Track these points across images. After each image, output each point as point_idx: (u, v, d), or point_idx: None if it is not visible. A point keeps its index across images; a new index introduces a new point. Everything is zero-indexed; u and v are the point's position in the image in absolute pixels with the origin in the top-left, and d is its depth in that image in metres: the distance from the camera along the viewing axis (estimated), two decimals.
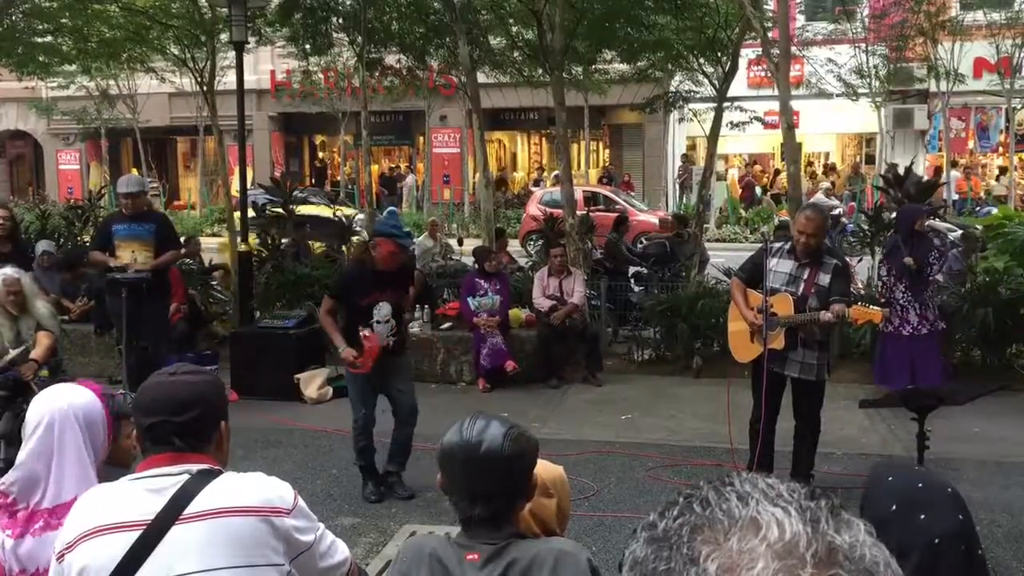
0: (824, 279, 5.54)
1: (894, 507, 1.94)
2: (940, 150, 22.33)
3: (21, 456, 2.45)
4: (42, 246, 9.69)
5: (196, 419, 2.06)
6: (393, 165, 29.06)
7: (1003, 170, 21.62)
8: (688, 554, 0.71)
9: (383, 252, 5.61)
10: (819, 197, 18.92)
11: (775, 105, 9.32)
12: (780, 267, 5.65)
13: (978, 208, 20.14)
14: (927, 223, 8.32)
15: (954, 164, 22.41)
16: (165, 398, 2.08)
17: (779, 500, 0.73)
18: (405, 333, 6.08)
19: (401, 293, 5.86)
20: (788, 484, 0.77)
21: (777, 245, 5.80)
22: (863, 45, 18.66)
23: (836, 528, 0.71)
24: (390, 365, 5.79)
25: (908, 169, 9.86)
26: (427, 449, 6.54)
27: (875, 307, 5.60)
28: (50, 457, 2.41)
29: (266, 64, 24.72)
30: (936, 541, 1.89)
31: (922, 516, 1.92)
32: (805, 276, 5.58)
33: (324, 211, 15.49)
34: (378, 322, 5.71)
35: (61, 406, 2.45)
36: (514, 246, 14.44)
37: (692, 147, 24.70)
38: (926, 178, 11.27)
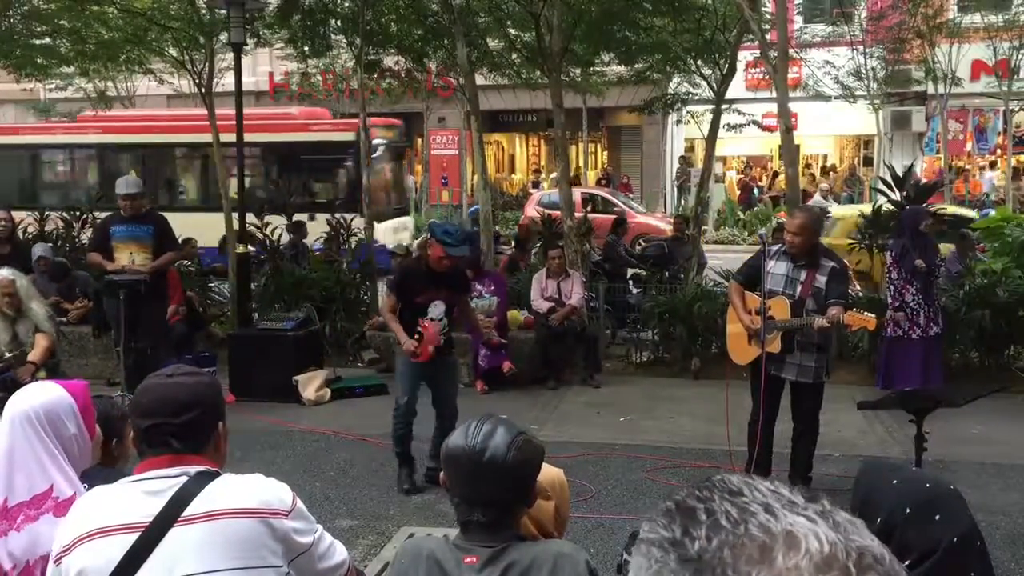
0: (821, 281, 5.55)
1: (908, 511, 1.95)
2: (938, 152, 22.36)
3: None
4: (38, 250, 9.68)
5: (194, 421, 2.06)
6: None
7: None
8: None
9: (433, 254, 5.92)
10: (817, 198, 18.95)
11: (773, 107, 9.33)
12: (777, 269, 5.66)
13: (976, 210, 20.16)
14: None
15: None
16: (162, 400, 2.07)
17: (798, 508, 0.71)
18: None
19: (457, 295, 6.12)
20: (785, 487, 0.75)
21: (774, 247, 5.81)
22: (861, 47, 18.68)
23: (854, 531, 0.70)
24: (441, 363, 6.04)
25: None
26: (424, 451, 6.55)
27: (869, 313, 5.61)
28: (11, 456, 2.42)
29: (264, 66, 24.68)
30: (955, 540, 1.91)
31: (937, 517, 1.93)
32: (802, 278, 5.59)
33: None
34: (432, 319, 5.94)
35: (21, 407, 2.46)
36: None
37: (690, 149, 24.72)
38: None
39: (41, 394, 2.51)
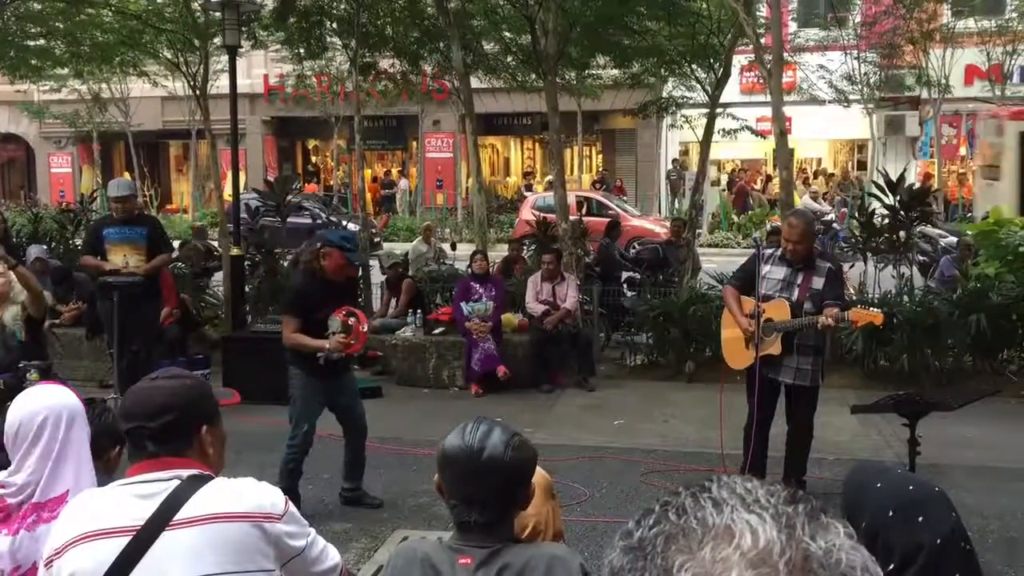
0: (818, 283, 5.56)
1: (891, 512, 1.95)
2: (931, 157, 22.43)
3: (29, 459, 2.46)
4: (33, 251, 9.65)
5: (169, 424, 2.05)
6: (387, 169, 28.97)
7: None
8: (662, 564, 0.71)
9: (333, 263, 5.50)
10: (806, 200, 18.97)
11: (768, 111, 9.34)
12: (773, 273, 5.66)
13: (970, 214, 20.23)
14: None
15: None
16: (140, 403, 2.08)
17: (755, 506, 0.72)
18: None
19: (350, 304, 5.77)
20: (767, 488, 0.76)
21: (769, 251, 5.81)
22: (855, 52, 18.74)
23: (812, 534, 0.70)
24: (340, 380, 5.69)
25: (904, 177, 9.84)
26: (419, 454, 6.55)
27: (875, 309, 5.61)
28: (51, 456, 2.46)
29: (259, 68, 24.68)
30: (938, 542, 1.91)
31: (920, 519, 1.94)
32: (799, 281, 5.59)
33: None
34: (333, 333, 5.56)
35: (60, 403, 2.52)
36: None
37: (685, 152, 24.77)
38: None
39: (64, 395, 2.58)
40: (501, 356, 8.70)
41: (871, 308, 5.59)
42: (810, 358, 5.63)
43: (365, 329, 5.66)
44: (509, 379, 8.62)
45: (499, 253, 12.39)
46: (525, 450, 2.07)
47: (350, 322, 5.52)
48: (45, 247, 10.58)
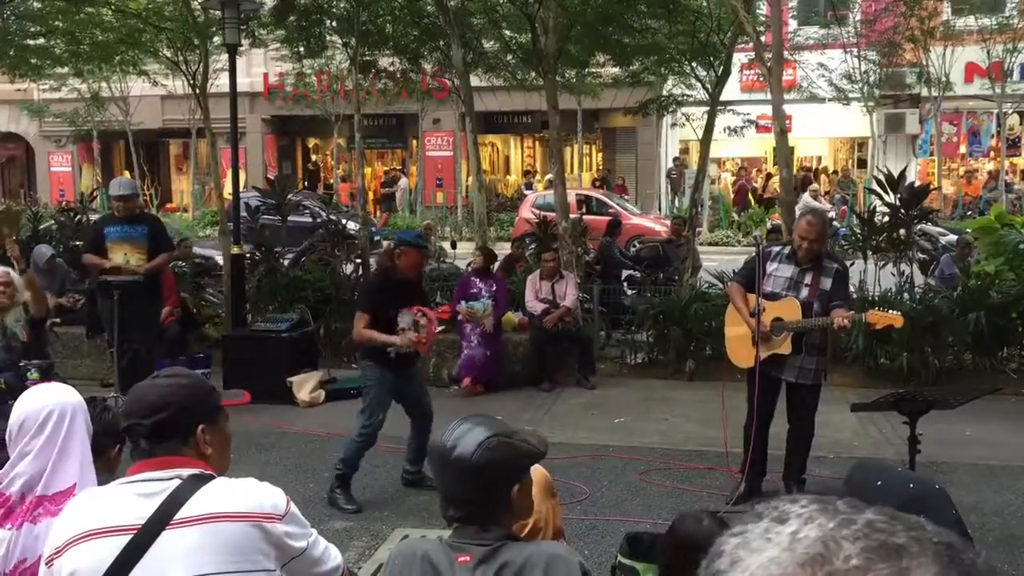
0: (826, 283, 5.54)
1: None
2: (931, 155, 22.43)
3: (30, 450, 2.48)
4: (44, 251, 9.69)
5: (162, 422, 2.05)
6: (388, 168, 28.96)
7: None
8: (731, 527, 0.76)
9: (408, 261, 5.82)
10: (806, 198, 18.97)
11: (768, 109, 9.33)
12: (781, 272, 5.63)
13: (969, 212, 20.25)
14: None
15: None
16: (137, 401, 2.10)
17: (836, 515, 0.73)
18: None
19: (417, 300, 6.07)
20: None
21: (776, 249, 5.79)
22: (854, 50, 18.74)
23: (851, 547, 0.70)
24: (408, 371, 5.97)
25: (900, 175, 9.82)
26: None
27: (894, 312, 5.59)
28: (55, 448, 2.49)
29: (259, 67, 24.67)
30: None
31: (922, 517, 1.93)
32: (807, 281, 5.57)
33: None
34: (402, 329, 5.83)
35: (66, 399, 2.55)
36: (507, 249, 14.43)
37: (685, 150, 24.77)
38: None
39: (68, 392, 2.61)
40: (491, 360, 8.68)
41: (890, 311, 5.56)
42: (814, 357, 5.62)
43: (436, 329, 6.04)
44: (509, 377, 8.66)
45: (500, 252, 12.39)
46: (500, 451, 2.02)
47: (421, 322, 5.84)
48: (50, 246, 10.58)
